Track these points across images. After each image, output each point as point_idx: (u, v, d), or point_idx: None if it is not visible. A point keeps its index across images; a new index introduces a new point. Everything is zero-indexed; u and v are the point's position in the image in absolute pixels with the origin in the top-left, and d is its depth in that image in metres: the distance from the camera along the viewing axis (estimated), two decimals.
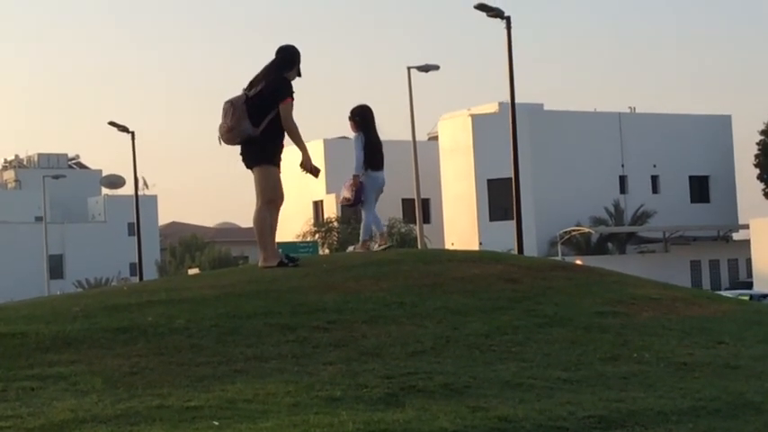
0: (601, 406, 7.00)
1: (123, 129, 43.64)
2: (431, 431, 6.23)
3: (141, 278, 43.35)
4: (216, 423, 6.28)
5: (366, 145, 13.17)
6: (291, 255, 12.24)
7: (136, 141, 42.93)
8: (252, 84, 11.02)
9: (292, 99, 10.91)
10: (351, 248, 14.27)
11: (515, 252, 31.79)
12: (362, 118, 13.32)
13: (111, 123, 43.74)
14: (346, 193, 13.38)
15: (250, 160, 11.13)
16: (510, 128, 31.23)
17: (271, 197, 11.20)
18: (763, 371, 8.35)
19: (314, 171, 11.27)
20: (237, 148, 11.24)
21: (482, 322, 9.39)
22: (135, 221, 47.01)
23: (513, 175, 30.93)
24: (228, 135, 10.96)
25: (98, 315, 9.20)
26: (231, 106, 10.87)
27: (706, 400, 7.31)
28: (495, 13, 30.25)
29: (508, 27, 29.69)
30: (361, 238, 13.71)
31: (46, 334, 8.44)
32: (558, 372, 7.96)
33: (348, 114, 13.39)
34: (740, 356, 8.85)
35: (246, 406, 6.74)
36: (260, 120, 10.85)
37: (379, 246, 13.35)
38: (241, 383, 7.31)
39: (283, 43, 11.30)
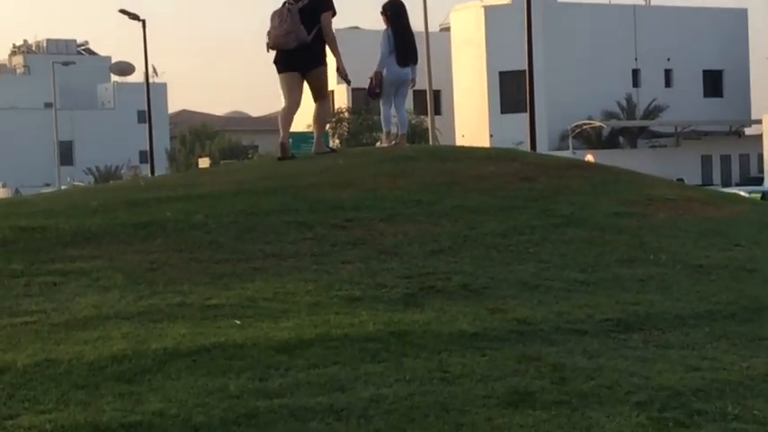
0: (618, 309, 7.05)
1: (134, 17, 43.22)
2: (450, 333, 6.28)
3: (152, 167, 43.39)
4: (237, 322, 6.35)
5: (396, 40, 13.12)
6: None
7: (147, 27, 42.57)
8: None
9: (335, 13, 12.08)
10: (378, 144, 14.31)
11: (527, 146, 31.74)
12: (393, 13, 13.28)
13: (122, 11, 43.33)
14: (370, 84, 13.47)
15: (308, 63, 12.05)
16: (525, 19, 30.86)
17: (326, 94, 12.49)
18: None
19: (347, 78, 12.30)
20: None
21: (499, 221, 9.41)
22: (145, 109, 46.86)
23: (527, 68, 30.66)
24: (287, 38, 11.82)
25: (117, 210, 9.25)
26: (289, 12, 11.78)
27: (722, 304, 7.36)
28: None
29: None
30: (383, 131, 13.77)
31: (66, 229, 8.49)
32: (575, 273, 8.00)
33: (380, 9, 13.42)
34: (756, 259, 8.87)
35: (267, 305, 6.80)
36: (310, 28, 11.85)
37: (397, 144, 13.34)
38: (260, 282, 7.37)
39: None
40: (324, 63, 12.23)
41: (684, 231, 9.71)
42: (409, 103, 62.63)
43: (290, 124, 12.36)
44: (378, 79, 13.23)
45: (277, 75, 12.23)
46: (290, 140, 12.49)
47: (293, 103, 12.20)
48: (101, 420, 4.74)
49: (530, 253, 8.57)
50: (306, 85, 12.26)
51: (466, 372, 5.62)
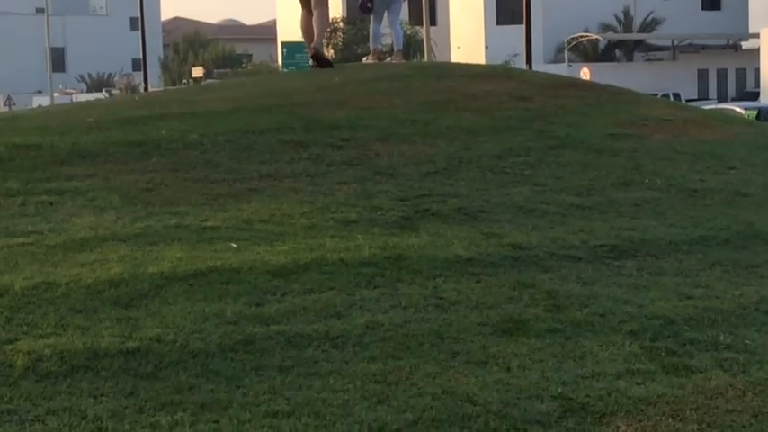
0: (613, 234, 7.08)
1: None
2: (445, 258, 6.31)
3: (146, 76, 43.06)
4: (234, 245, 6.36)
5: None
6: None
7: None
8: None
9: None
10: (364, 59, 14.23)
11: (522, 58, 31.49)
12: None
13: None
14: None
15: None
16: None
17: (326, 2, 12.78)
18: None
19: None
20: None
21: (494, 142, 9.41)
22: (138, 16, 46.38)
23: None
24: None
25: (111, 128, 9.22)
26: None
27: (716, 230, 7.39)
28: None
29: None
30: (371, 47, 13.70)
31: (61, 146, 8.48)
32: (571, 197, 8.02)
33: None
34: (750, 183, 8.89)
35: (263, 227, 6.82)
36: None
37: (393, 60, 13.31)
38: (256, 203, 7.38)
39: None
40: None
41: (680, 154, 9.72)
42: (404, 13, 62.13)
43: (311, 31, 12.80)
44: None
45: None
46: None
47: (310, 12, 12.70)
48: (99, 346, 4.77)
49: (525, 175, 8.58)
50: None
51: (461, 298, 5.65)
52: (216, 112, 9.87)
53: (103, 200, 7.30)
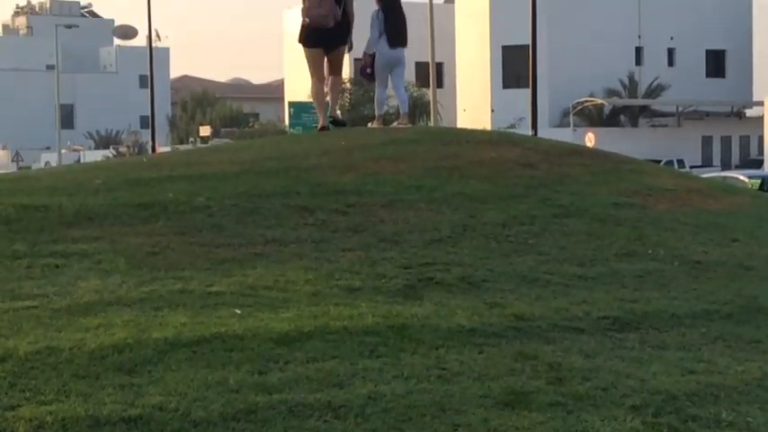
0: (615, 306, 7.10)
1: None
2: (448, 328, 6.33)
3: (153, 134, 43.32)
4: (238, 311, 6.39)
5: (386, 22, 13.16)
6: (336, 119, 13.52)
7: None
8: None
9: None
10: (369, 125, 14.39)
11: (528, 122, 31.66)
12: None
13: None
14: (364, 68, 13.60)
15: (335, 41, 12.72)
16: None
17: (341, 69, 13.23)
18: None
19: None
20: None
21: (499, 210, 9.45)
22: (147, 74, 46.74)
23: (530, 44, 30.54)
24: (327, 19, 12.49)
25: (119, 189, 9.28)
26: None
27: (719, 304, 7.40)
28: None
29: None
30: (376, 113, 13.88)
31: (68, 207, 8.53)
32: (574, 267, 8.05)
33: None
34: (754, 256, 8.92)
35: (267, 293, 6.84)
36: (339, 7, 12.58)
37: (399, 124, 13.43)
38: (261, 268, 7.41)
39: None
40: (346, 42, 12.90)
41: (683, 224, 9.76)
42: (411, 75, 62.82)
43: (324, 100, 13.20)
44: (369, 61, 13.33)
45: (305, 50, 12.92)
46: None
47: (322, 78, 12.99)
48: (101, 413, 4.78)
49: (529, 244, 8.62)
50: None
51: (463, 369, 5.66)
52: (223, 175, 9.94)
53: (109, 263, 7.33)
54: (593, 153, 13.05)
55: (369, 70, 13.40)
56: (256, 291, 6.88)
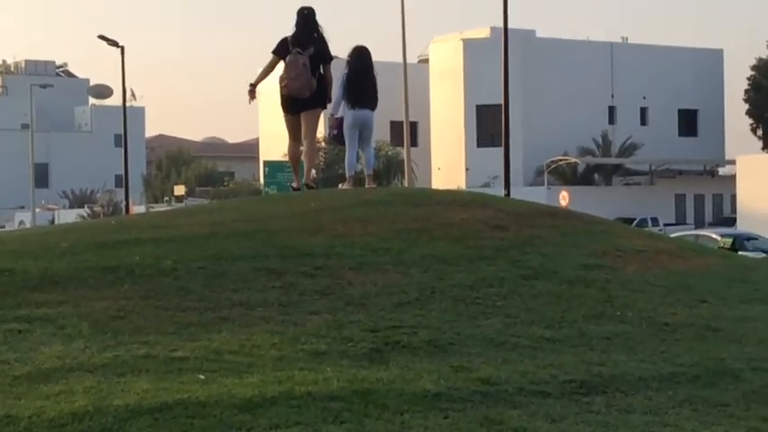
0: (583, 369, 7.07)
1: (113, 43, 43.19)
2: (414, 392, 6.28)
3: (127, 193, 43.25)
4: (202, 377, 6.33)
5: (348, 84, 13.24)
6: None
7: (126, 52, 42.50)
8: (302, 44, 12.86)
9: (332, 59, 13.12)
10: (340, 186, 14.41)
11: (501, 180, 31.75)
12: (353, 58, 13.51)
13: (101, 37, 43.27)
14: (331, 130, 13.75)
15: (309, 105, 13.03)
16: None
17: (315, 133, 13.59)
18: (744, 334, 8.43)
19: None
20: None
21: (468, 272, 9.44)
22: (122, 133, 46.77)
23: (503, 103, 30.75)
24: (303, 90, 12.85)
25: (86, 252, 9.23)
26: (304, 67, 12.78)
27: (686, 366, 7.39)
28: None
29: None
30: (346, 174, 13.91)
31: (33, 272, 8.47)
32: (542, 329, 8.03)
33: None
34: (722, 317, 8.92)
35: (232, 358, 6.79)
36: (315, 75, 12.90)
37: (368, 186, 13.47)
38: (227, 333, 7.36)
39: (305, 4, 12.99)
40: (322, 105, 13.26)
41: (652, 286, 9.77)
42: (386, 134, 63.01)
43: (299, 161, 13.72)
44: (336, 123, 13.50)
45: (283, 114, 13.32)
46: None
47: (297, 141, 13.44)
48: None
49: (497, 307, 8.60)
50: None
51: None
52: (192, 237, 9.90)
53: (73, 328, 7.27)
54: (565, 214, 13.08)
55: (335, 132, 13.57)
56: (221, 355, 6.83)
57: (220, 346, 7.02)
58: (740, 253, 23.98)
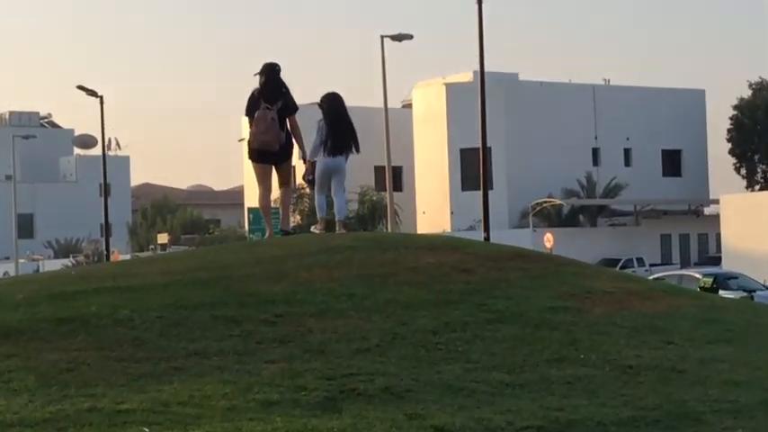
0: (540, 415, 6.93)
1: (92, 93, 43.16)
2: None
3: (107, 242, 43.11)
4: (146, 430, 6.18)
5: (327, 132, 13.55)
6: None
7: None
8: (270, 99, 13.31)
9: (297, 110, 13.63)
10: (312, 228, 14.45)
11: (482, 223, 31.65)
12: (328, 105, 13.76)
13: (80, 87, 43.26)
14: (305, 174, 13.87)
15: (280, 158, 13.50)
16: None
17: (290, 181, 14.04)
18: (709, 375, 8.30)
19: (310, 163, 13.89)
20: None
21: (431, 317, 9.30)
22: (108, 182, 46.68)
23: (481, 146, 30.69)
24: (273, 144, 13.27)
25: (42, 303, 9.07)
26: (273, 121, 13.21)
27: (647, 409, 7.25)
28: None
29: (479, 1, 29.36)
30: (318, 217, 14.10)
31: None
32: (502, 374, 7.89)
33: (318, 101, 13.97)
34: (687, 359, 8.79)
35: (180, 409, 6.64)
36: (283, 127, 13.36)
37: (338, 232, 13.49)
38: (178, 383, 7.21)
39: (271, 60, 13.56)
40: (291, 157, 13.73)
41: (619, 327, 9.63)
42: (371, 179, 63.03)
43: (269, 209, 14.09)
44: (310, 168, 13.83)
45: (252, 164, 13.74)
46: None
47: (267, 190, 13.81)
48: None
49: (459, 352, 8.46)
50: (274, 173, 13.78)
51: None
52: (152, 287, 9.75)
53: (20, 381, 7.11)
54: (535, 256, 12.96)
55: (310, 177, 13.83)
56: (169, 407, 6.68)
57: (170, 397, 6.87)
58: (721, 292, 23.90)
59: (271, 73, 13.43)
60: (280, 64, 13.60)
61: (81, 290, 9.56)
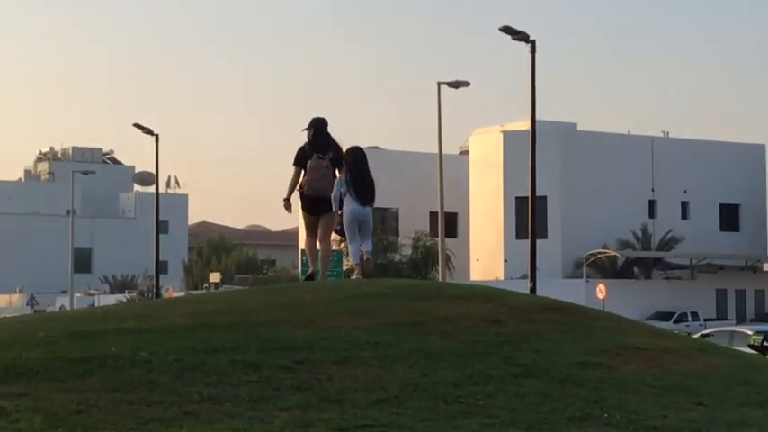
0: None
1: (148, 131, 43.59)
2: None
3: (157, 280, 43.33)
4: None
5: (351, 185, 13.85)
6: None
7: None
8: (322, 150, 13.99)
9: None
10: (353, 276, 14.80)
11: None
12: (351, 159, 14.05)
13: (136, 125, 43.68)
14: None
15: (327, 208, 14.00)
16: (529, 147, 30.81)
17: (330, 235, 14.65)
18: None
19: None
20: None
21: (455, 369, 9.12)
22: (166, 220, 47.07)
23: (529, 195, 30.42)
24: (327, 191, 13.81)
25: (61, 342, 9.02)
26: (327, 169, 13.87)
27: None
28: (519, 36, 29.76)
29: (533, 51, 29.23)
30: (354, 264, 14.27)
31: (0, 363, 8.25)
32: (520, 431, 7.68)
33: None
34: (715, 421, 8.52)
35: None
36: (334, 177, 13.96)
37: (365, 259, 13.70)
38: (187, 429, 7.09)
39: (318, 115, 14.24)
40: (338, 209, 14.08)
41: (648, 386, 9.38)
42: (425, 225, 62.94)
43: (315, 253, 14.66)
44: (339, 220, 14.06)
45: (302, 213, 14.40)
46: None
47: (315, 235, 14.46)
48: None
49: (479, 406, 8.26)
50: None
51: None
52: (173, 329, 9.67)
53: (27, 422, 7.02)
54: (570, 309, 12.72)
55: (338, 227, 14.17)
56: None
57: None
58: None
59: (319, 126, 14.12)
60: (327, 119, 14.28)
61: (102, 330, 9.51)
